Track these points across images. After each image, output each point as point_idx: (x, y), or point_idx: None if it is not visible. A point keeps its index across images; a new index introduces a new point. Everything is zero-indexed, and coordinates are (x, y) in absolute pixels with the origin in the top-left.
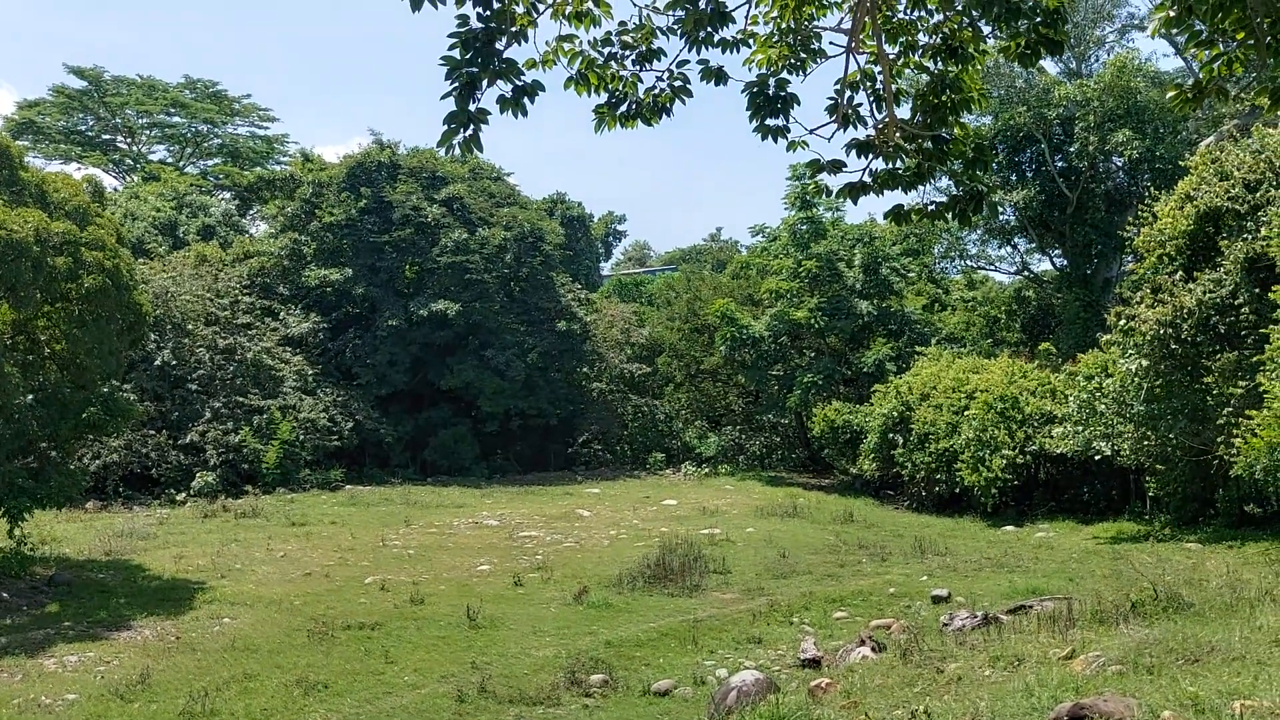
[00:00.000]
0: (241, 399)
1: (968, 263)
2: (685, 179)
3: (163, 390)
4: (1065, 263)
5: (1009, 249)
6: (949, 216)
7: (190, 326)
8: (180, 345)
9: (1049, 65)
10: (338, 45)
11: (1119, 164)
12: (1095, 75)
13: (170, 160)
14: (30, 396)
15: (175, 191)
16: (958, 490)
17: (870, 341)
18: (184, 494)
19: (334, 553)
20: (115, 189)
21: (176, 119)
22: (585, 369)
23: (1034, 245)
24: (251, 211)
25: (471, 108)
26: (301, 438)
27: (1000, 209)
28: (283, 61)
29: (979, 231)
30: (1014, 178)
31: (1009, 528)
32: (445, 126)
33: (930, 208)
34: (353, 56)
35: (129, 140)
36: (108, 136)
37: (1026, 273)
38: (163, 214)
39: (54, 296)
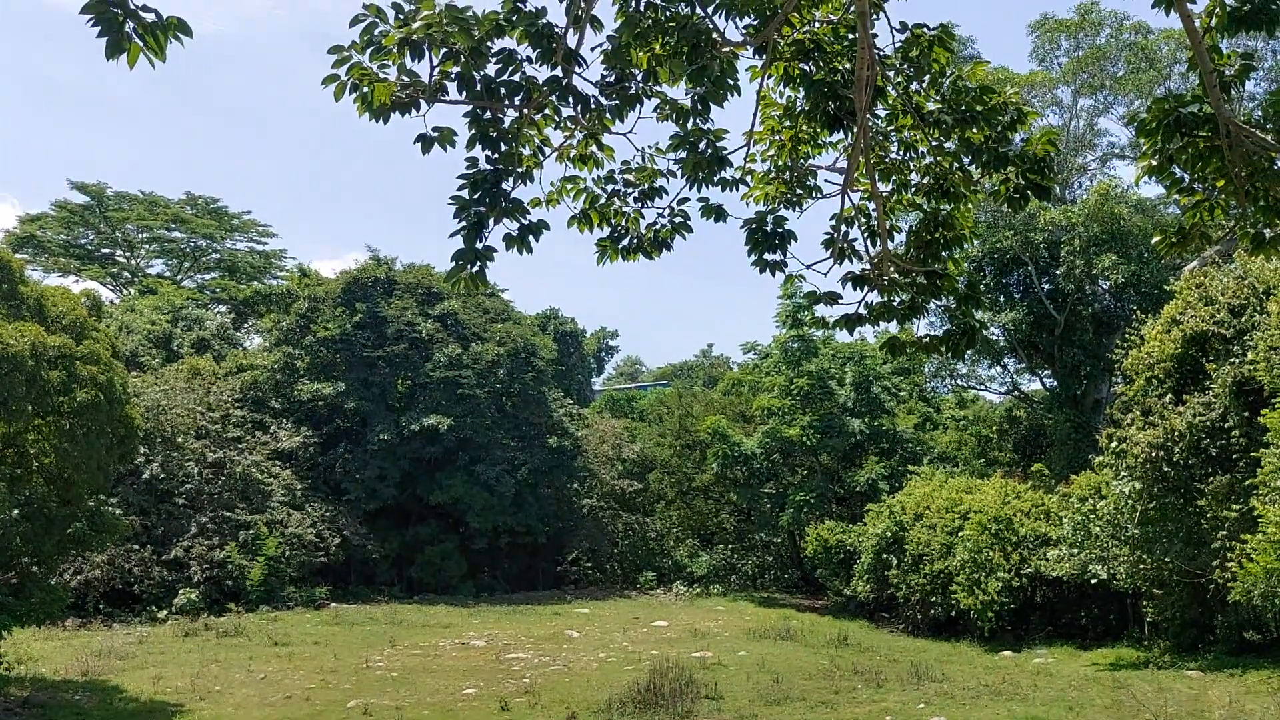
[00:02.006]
0: (228, 513)
1: (958, 382)
2: (677, 295)
3: (149, 504)
4: (1055, 383)
5: (999, 369)
6: (943, 350)
7: (180, 440)
8: (169, 459)
9: None
10: (336, 162)
11: (1105, 287)
12: (1079, 201)
13: (168, 274)
14: (16, 511)
15: (171, 305)
16: (954, 613)
17: (863, 460)
18: (166, 611)
19: (316, 674)
20: (112, 302)
21: (176, 234)
22: (576, 485)
23: (1024, 366)
24: (247, 325)
25: (478, 245)
26: (287, 554)
27: (988, 330)
28: (282, 178)
29: (969, 352)
30: (1002, 299)
31: (1006, 653)
32: (453, 263)
33: (924, 340)
34: (351, 174)
35: (128, 254)
36: (107, 250)
37: (1017, 392)
38: (158, 327)
39: (46, 410)
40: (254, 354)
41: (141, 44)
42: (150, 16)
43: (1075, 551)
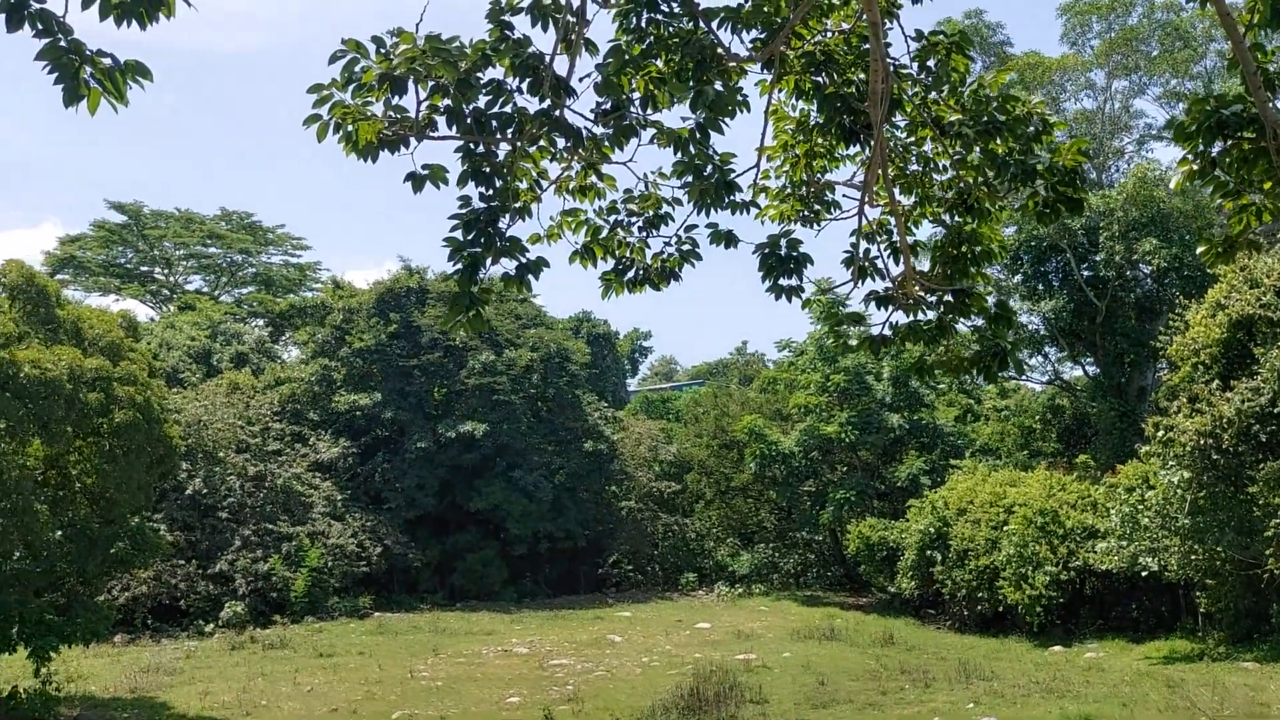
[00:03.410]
0: (271, 526)
1: (1014, 353)
2: (710, 293)
3: (193, 520)
4: (1098, 371)
5: (1040, 358)
6: (974, 373)
7: (221, 455)
8: (211, 474)
9: None
10: (368, 173)
11: (1146, 272)
12: (1117, 185)
13: (206, 289)
14: (59, 533)
15: (210, 320)
16: (1001, 609)
17: (903, 455)
18: (212, 625)
19: (361, 685)
20: (152, 319)
21: (213, 249)
22: (613, 488)
23: (1065, 354)
24: (284, 338)
25: (474, 289)
26: (330, 564)
27: (1029, 320)
28: (315, 190)
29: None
30: (1040, 287)
31: (1056, 648)
32: (450, 309)
33: (953, 362)
34: (383, 184)
35: (166, 271)
36: (146, 268)
37: (1059, 381)
38: (197, 343)
39: (86, 431)
40: (291, 367)
41: (101, 89)
42: (107, 61)
43: (1124, 543)
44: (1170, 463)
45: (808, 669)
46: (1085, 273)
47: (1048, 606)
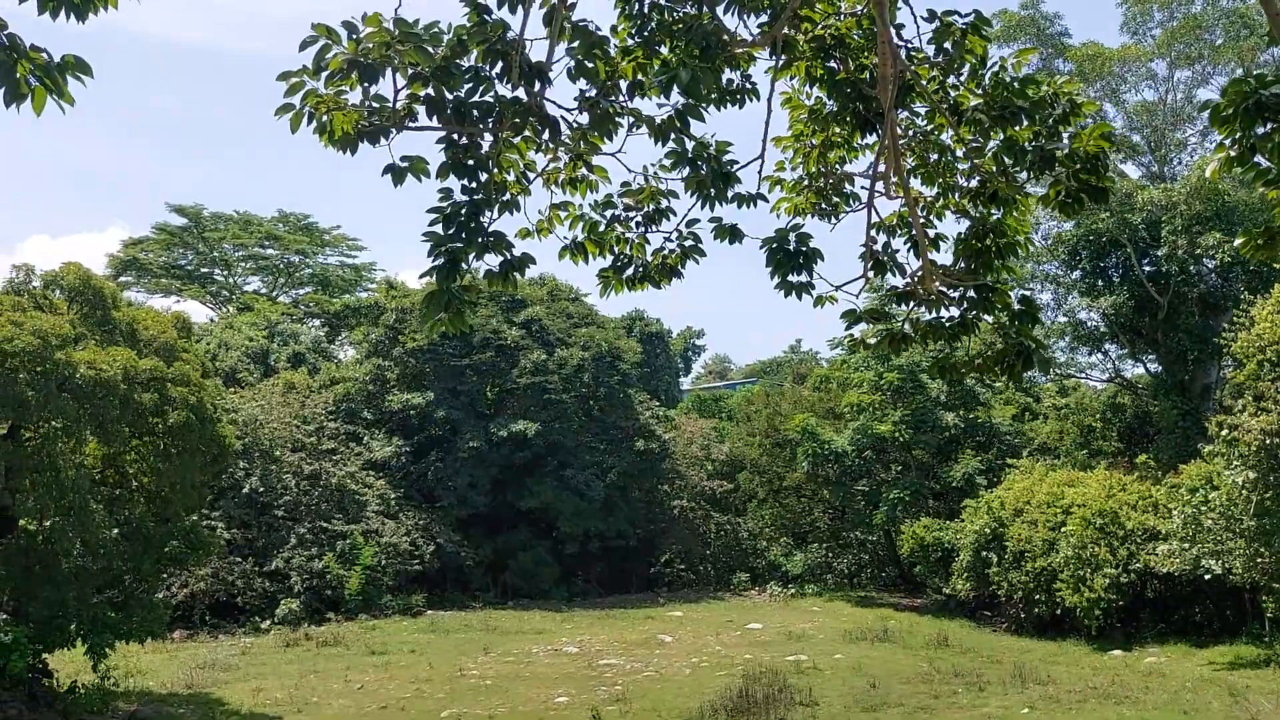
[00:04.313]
0: (325, 524)
1: (1056, 371)
2: (764, 291)
3: (249, 517)
4: (1160, 369)
5: (1100, 355)
6: (996, 371)
7: (278, 453)
8: (268, 472)
9: (1130, 169)
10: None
11: (1210, 267)
12: (1180, 178)
13: (263, 290)
14: (115, 531)
15: (268, 321)
16: (1059, 611)
17: (958, 454)
18: (268, 622)
19: (411, 684)
20: (211, 319)
21: (270, 251)
22: (665, 487)
23: (1126, 351)
24: (340, 338)
25: (455, 285)
26: (384, 563)
27: (1087, 316)
28: (371, 191)
29: (1066, 339)
30: (1100, 283)
31: (1116, 652)
32: (425, 307)
33: (977, 361)
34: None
35: (225, 272)
36: (205, 270)
37: (1120, 379)
38: (255, 343)
39: (141, 431)
40: (346, 367)
41: (44, 87)
42: (44, 57)
43: (1187, 545)
44: (1235, 462)
45: (859, 671)
46: (1146, 268)
47: (1107, 610)
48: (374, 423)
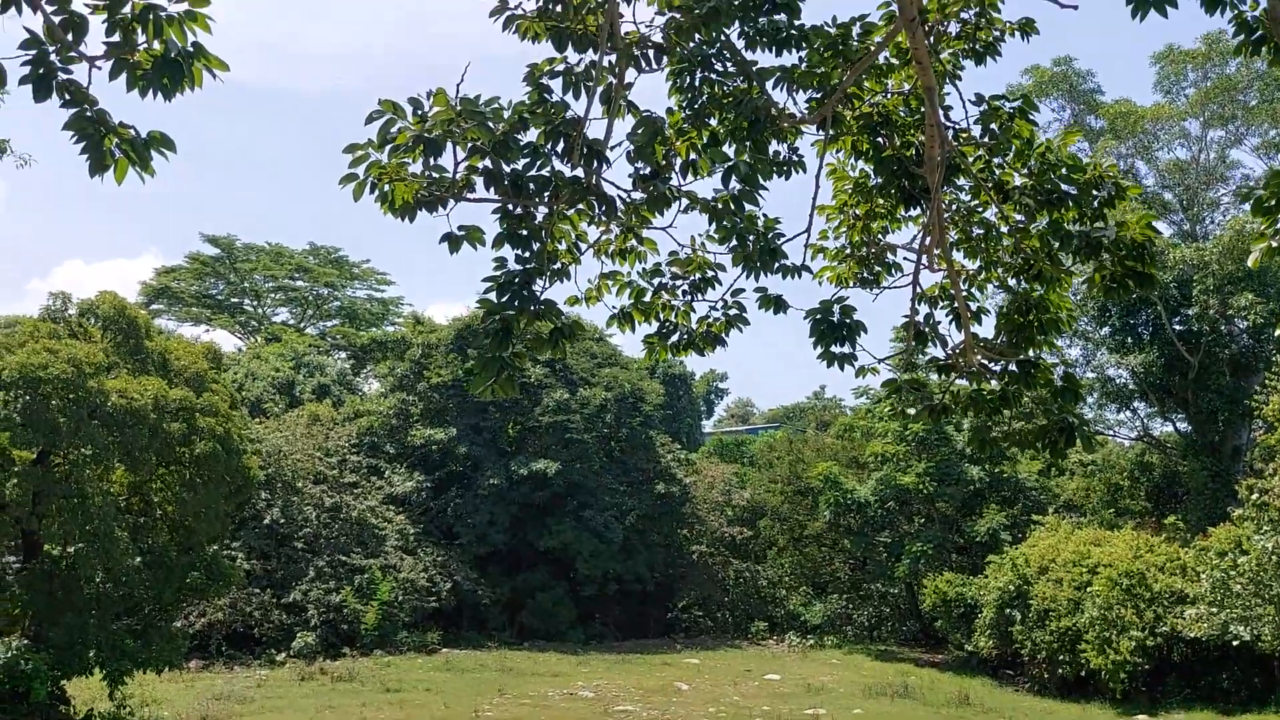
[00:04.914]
0: (344, 558)
1: (1085, 428)
2: (788, 336)
3: (269, 548)
4: (1189, 429)
5: (1128, 413)
6: (1039, 447)
7: (300, 485)
8: (289, 503)
9: (1162, 227)
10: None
11: (1242, 327)
12: (1212, 238)
13: (292, 321)
14: (138, 559)
15: (295, 352)
16: (1083, 673)
17: (983, 509)
18: (284, 654)
19: None
20: (239, 349)
21: (300, 283)
22: (684, 531)
23: (1155, 410)
24: (365, 370)
25: (506, 353)
26: (401, 598)
27: (1117, 374)
28: (400, 226)
29: (1094, 396)
30: (1129, 340)
31: (1141, 717)
32: (477, 374)
33: (1018, 435)
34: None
35: (255, 303)
36: (236, 300)
37: (1148, 438)
38: (281, 374)
39: (168, 460)
40: (370, 400)
41: (127, 159)
42: (131, 133)
43: (1215, 610)
44: (1265, 527)
45: None
46: (1177, 326)
47: (1133, 673)
48: (396, 457)
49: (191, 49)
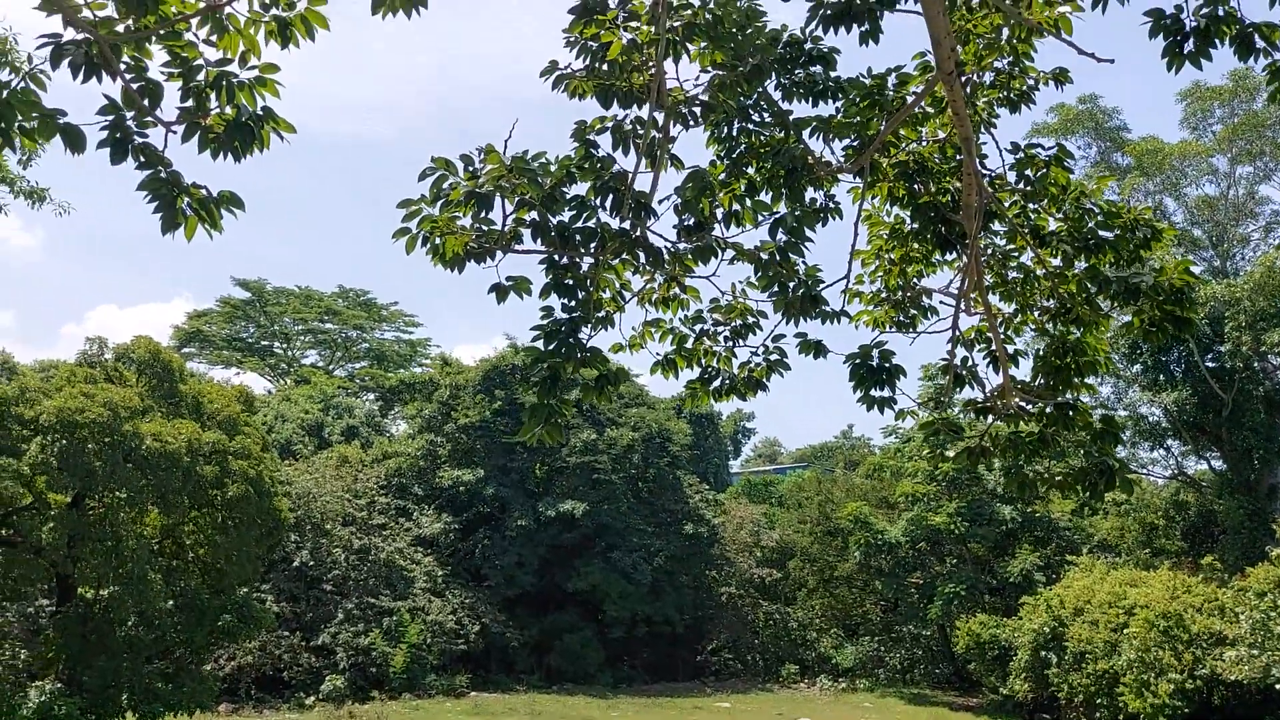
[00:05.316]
0: (373, 600)
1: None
2: (816, 375)
3: (299, 591)
4: (1225, 467)
5: (1161, 451)
6: (1079, 490)
7: (329, 527)
8: (319, 545)
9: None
10: None
11: (1276, 364)
12: (1243, 274)
13: (321, 364)
14: (171, 602)
15: (324, 394)
16: (1121, 716)
17: (1015, 549)
18: (313, 697)
19: None
20: (269, 391)
21: (329, 325)
22: (713, 573)
23: (1189, 448)
24: (393, 412)
25: (553, 400)
26: (429, 641)
27: (1149, 412)
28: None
29: (1127, 434)
30: (1162, 378)
31: None
32: (528, 419)
33: (1057, 479)
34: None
35: (285, 345)
36: (266, 342)
37: (1183, 476)
38: (310, 415)
39: (200, 503)
40: (399, 441)
41: (198, 218)
42: (203, 192)
43: (1256, 652)
44: None
45: None
46: (1209, 364)
47: (1172, 717)
48: (424, 498)
49: (261, 113)
